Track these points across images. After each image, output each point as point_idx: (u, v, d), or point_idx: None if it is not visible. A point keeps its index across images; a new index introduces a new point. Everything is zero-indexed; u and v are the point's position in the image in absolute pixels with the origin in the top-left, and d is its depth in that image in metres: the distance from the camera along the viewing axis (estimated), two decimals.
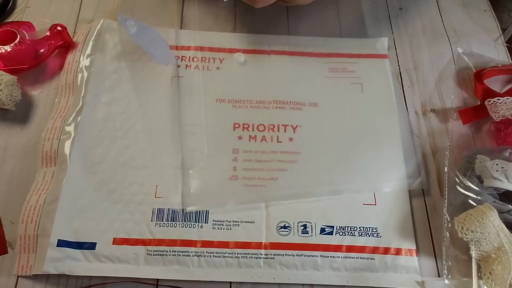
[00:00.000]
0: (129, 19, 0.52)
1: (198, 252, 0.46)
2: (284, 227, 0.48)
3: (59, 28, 0.57)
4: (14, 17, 0.63)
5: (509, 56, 0.62)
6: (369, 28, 0.64)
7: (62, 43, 0.57)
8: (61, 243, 0.45)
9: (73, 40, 0.59)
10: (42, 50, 0.56)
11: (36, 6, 0.64)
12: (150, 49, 0.54)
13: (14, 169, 0.51)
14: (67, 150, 0.50)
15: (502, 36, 0.64)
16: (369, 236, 0.48)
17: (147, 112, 0.54)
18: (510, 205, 0.46)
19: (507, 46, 0.63)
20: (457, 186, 0.48)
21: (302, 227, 0.48)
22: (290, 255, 0.46)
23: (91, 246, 0.46)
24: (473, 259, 0.45)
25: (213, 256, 0.46)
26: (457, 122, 0.54)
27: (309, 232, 0.48)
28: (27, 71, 0.56)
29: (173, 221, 0.48)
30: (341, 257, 0.47)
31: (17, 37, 0.55)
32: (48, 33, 0.57)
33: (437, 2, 0.67)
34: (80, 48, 0.58)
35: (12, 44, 0.55)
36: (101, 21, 0.59)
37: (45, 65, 0.58)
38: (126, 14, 0.56)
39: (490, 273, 0.44)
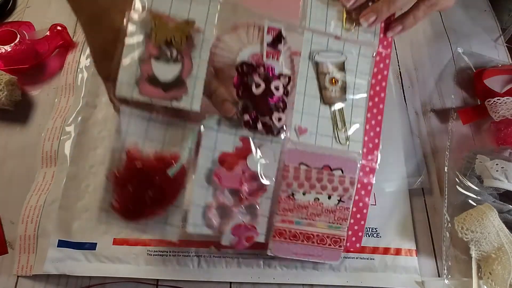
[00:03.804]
0: None
1: (198, 252, 0.46)
2: None
3: (59, 28, 0.57)
4: (14, 17, 0.63)
5: (509, 56, 0.62)
6: None
7: (62, 42, 0.57)
8: (62, 244, 0.45)
9: (73, 40, 0.59)
10: (42, 50, 0.56)
11: (36, 6, 0.64)
12: None
13: (14, 169, 0.51)
14: (67, 150, 0.50)
15: (502, 36, 0.64)
16: (369, 236, 0.48)
17: None
18: (510, 205, 0.46)
19: (507, 46, 0.63)
20: (457, 186, 0.48)
21: None
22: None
23: (92, 246, 0.46)
24: (473, 259, 0.45)
25: (213, 256, 0.46)
26: (457, 122, 0.54)
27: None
28: (27, 71, 0.56)
29: None
30: (341, 257, 0.47)
31: (17, 37, 0.55)
32: (48, 33, 0.57)
33: None
34: (80, 48, 0.58)
35: (12, 44, 0.55)
36: None
37: (45, 65, 0.58)
38: None
39: (490, 273, 0.44)
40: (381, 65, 0.47)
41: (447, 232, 0.47)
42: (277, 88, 0.42)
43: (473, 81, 0.58)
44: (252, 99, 0.41)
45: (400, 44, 0.62)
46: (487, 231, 0.44)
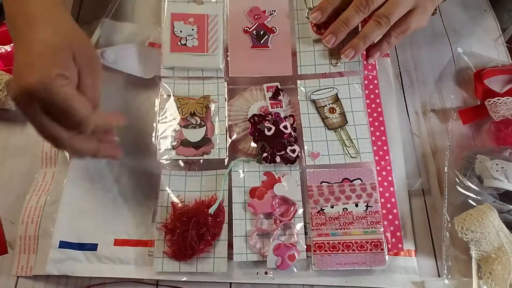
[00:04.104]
0: (105, 50, 0.51)
1: None
2: None
3: None
4: None
5: (509, 56, 0.62)
6: None
7: None
8: (63, 245, 0.45)
9: None
10: None
11: None
12: (136, 68, 0.53)
13: (14, 169, 0.51)
14: None
15: (502, 36, 0.64)
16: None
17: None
18: (510, 205, 0.46)
19: (507, 46, 0.63)
20: (457, 186, 0.48)
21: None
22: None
23: (93, 247, 0.46)
24: (473, 259, 0.45)
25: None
26: (457, 122, 0.54)
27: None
28: None
29: None
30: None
31: None
32: None
33: None
34: None
35: (12, 44, 0.55)
36: (101, 21, 0.59)
37: None
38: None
39: (490, 273, 0.44)
40: (371, 86, 0.55)
41: (447, 232, 0.47)
42: (285, 128, 0.50)
43: (473, 81, 0.58)
44: (267, 140, 0.49)
45: (400, 44, 0.62)
46: (487, 231, 0.44)
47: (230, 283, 0.46)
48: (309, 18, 0.52)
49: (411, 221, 0.49)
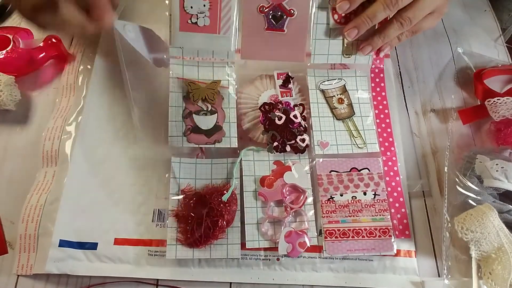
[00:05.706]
0: (127, 24, 0.50)
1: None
2: None
3: (53, 40, 0.56)
4: (13, 20, 0.62)
5: (509, 56, 0.62)
6: None
7: (56, 54, 0.57)
8: (63, 243, 0.45)
9: (70, 52, 0.59)
10: (33, 60, 0.55)
11: None
12: (148, 53, 0.52)
13: (14, 169, 0.51)
14: (68, 149, 0.50)
15: (502, 36, 0.64)
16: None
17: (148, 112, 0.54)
18: (510, 205, 0.46)
19: (507, 46, 0.63)
20: (457, 186, 0.48)
21: None
22: (289, 256, 0.46)
23: (93, 246, 0.46)
24: (473, 259, 0.45)
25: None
26: (457, 122, 0.54)
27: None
28: (19, 77, 0.55)
29: None
30: (340, 258, 0.47)
31: (10, 44, 0.54)
32: (41, 44, 0.56)
33: None
34: (81, 49, 0.58)
35: (3, 51, 0.54)
36: None
37: (37, 75, 0.57)
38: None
39: (490, 273, 0.44)
40: (377, 80, 0.56)
41: (447, 232, 0.47)
42: (295, 117, 0.51)
43: (473, 81, 0.58)
44: (277, 129, 0.50)
45: (400, 44, 0.62)
46: (487, 231, 0.44)
47: (230, 283, 0.46)
48: (330, 4, 0.49)
49: (411, 221, 0.49)
